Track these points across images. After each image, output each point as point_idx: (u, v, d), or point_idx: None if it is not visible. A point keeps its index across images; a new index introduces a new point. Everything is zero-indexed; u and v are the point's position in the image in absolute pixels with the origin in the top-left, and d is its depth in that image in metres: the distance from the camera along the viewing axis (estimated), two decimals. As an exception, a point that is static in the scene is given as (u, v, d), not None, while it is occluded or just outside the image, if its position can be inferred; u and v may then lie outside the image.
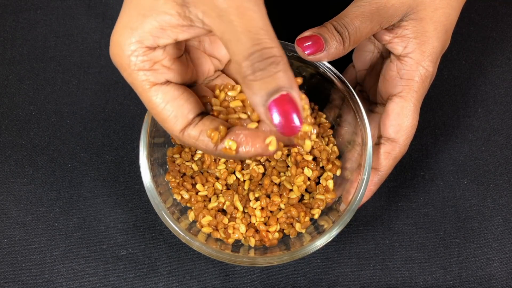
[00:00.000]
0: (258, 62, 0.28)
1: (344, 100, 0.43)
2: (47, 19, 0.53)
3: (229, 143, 0.32)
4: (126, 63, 0.31)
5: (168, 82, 0.32)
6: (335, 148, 0.45)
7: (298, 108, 0.29)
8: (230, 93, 0.34)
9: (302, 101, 0.30)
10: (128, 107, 0.50)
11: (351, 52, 0.44)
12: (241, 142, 0.32)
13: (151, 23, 0.30)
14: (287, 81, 0.28)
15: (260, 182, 0.44)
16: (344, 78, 0.42)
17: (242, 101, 0.34)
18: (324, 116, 0.46)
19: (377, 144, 0.41)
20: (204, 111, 0.34)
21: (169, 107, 0.31)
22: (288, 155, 0.44)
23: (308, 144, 0.34)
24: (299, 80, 0.31)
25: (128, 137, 0.49)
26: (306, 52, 0.38)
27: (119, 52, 0.31)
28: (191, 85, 0.35)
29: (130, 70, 0.31)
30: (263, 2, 0.29)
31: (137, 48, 0.30)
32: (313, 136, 0.36)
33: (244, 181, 0.44)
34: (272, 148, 0.31)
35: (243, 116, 0.33)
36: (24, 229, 0.47)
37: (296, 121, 0.29)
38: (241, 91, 0.35)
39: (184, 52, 0.34)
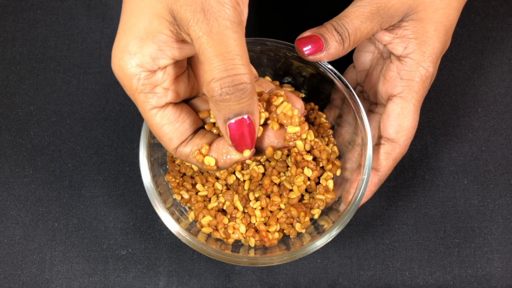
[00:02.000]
0: (227, 87, 0.30)
1: (344, 100, 0.43)
2: (47, 19, 0.53)
3: (208, 160, 0.35)
4: (129, 84, 0.32)
5: (167, 104, 0.33)
6: (335, 148, 0.45)
7: (253, 132, 0.33)
8: None
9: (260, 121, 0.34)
10: (128, 107, 0.50)
11: (352, 52, 0.44)
12: (220, 154, 0.35)
13: (150, 45, 0.31)
14: (249, 107, 0.32)
15: (260, 182, 0.44)
16: (344, 78, 0.42)
17: None
18: (324, 116, 0.46)
19: (377, 144, 0.41)
20: (201, 126, 0.36)
21: (165, 128, 0.34)
22: (288, 155, 0.44)
23: (299, 144, 0.37)
24: (300, 97, 0.34)
25: (128, 137, 0.49)
26: (306, 52, 0.38)
27: (122, 75, 0.32)
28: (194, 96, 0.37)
29: (133, 91, 0.32)
30: (243, 28, 0.30)
31: (139, 72, 0.31)
32: (310, 136, 0.37)
33: (244, 181, 0.44)
34: (246, 153, 0.34)
35: None
36: (24, 229, 0.47)
37: (248, 142, 0.33)
38: None
39: (187, 66, 0.35)
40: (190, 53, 0.33)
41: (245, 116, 0.32)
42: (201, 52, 0.30)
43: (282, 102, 0.36)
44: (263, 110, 0.36)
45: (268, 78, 0.47)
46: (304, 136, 0.36)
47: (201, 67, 0.31)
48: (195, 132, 0.36)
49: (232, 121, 0.32)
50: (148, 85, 0.32)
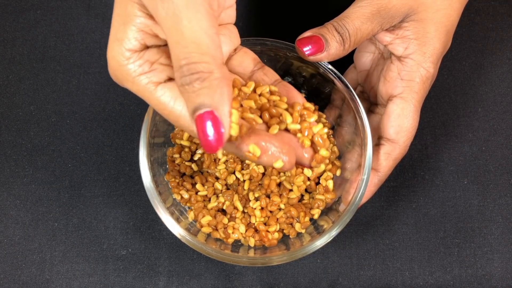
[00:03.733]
0: (184, 77, 0.27)
1: (344, 101, 0.43)
2: (47, 19, 0.53)
3: (253, 148, 0.31)
4: (126, 73, 0.31)
5: (170, 79, 0.31)
6: (335, 149, 0.45)
7: (218, 130, 0.28)
8: (244, 89, 0.34)
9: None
10: (128, 107, 0.50)
11: (352, 53, 0.44)
12: (265, 149, 0.31)
13: (131, 28, 0.30)
14: (210, 99, 0.28)
15: (260, 182, 0.44)
16: (344, 79, 0.42)
17: (255, 101, 0.34)
18: (324, 116, 0.46)
19: (377, 145, 0.41)
20: None
21: (179, 102, 0.30)
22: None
23: (322, 168, 0.35)
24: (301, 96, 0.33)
25: (128, 137, 0.49)
26: (306, 53, 0.38)
27: (116, 66, 0.31)
28: None
29: (132, 78, 0.31)
30: (207, 7, 0.28)
31: (130, 55, 0.31)
32: (326, 161, 0.36)
33: (244, 181, 0.44)
34: (278, 164, 0.31)
35: (259, 120, 0.33)
36: (24, 229, 0.47)
37: (211, 142, 0.28)
38: (255, 87, 0.34)
39: None
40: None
41: (208, 109, 0.28)
42: (166, 36, 0.28)
43: (316, 122, 0.35)
44: (240, 106, 0.33)
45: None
46: (326, 161, 0.35)
47: None
48: None
49: (196, 114, 0.28)
50: (145, 64, 0.31)
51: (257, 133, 0.32)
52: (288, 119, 0.34)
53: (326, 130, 0.35)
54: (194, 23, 0.27)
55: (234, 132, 0.29)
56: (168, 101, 0.31)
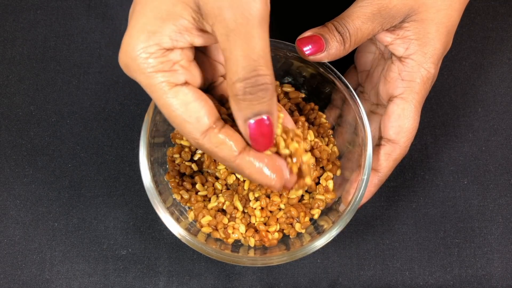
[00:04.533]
0: (250, 87, 0.30)
1: (344, 101, 0.43)
2: (47, 19, 0.53)
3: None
4: (143, 66, 0.31)
5: (187, 83, 0.32)
6: (335, 149, 0.45)
7: (272, 132, 0.33)
8: None
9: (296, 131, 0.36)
10: (128, 107, 0.50)
11: (353, 53, 0.44)
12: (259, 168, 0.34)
13: (170, 27, 0.30)
14: (270, 108, 0.32)
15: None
16: (344, 79, 0.42)
17: None
18: (324, 116, 0.46)
19: (377, 145, 0.41)
20: (220, 118, 0.34)
21: (191, 107, 0.31)
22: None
23: (299, 192, 0.42)
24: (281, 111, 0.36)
25: (128, 137, 0.49)
26: (306, 52, 0.38)
27: (134, 55, 0.30)
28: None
29: (148, 73, 0.31)
30: (268, 29, 0.30)
31: (156, 50, 0.30)
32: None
33: (244, 181, 0.44)
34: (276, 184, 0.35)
35: None
36: (24, 229, 0.47)
37: (267, 142, 0.33)
38: None
39: (199, 54, 0.35)
40: (208, 43, 0.32)
41: (265, 116, 0.32)
42: (226, 49, 0.29)
43: (306, 150, 0.38)
44: (280, 110, 0.36)
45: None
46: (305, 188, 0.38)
47: (225, 62, 0.30)
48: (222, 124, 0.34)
49: (252, 121, 0.32)
50: (166, 63, 0.31)
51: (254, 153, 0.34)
52: (282, 143, 0.35)
53: (313, 160, 0.39)
54: (264, 41, 0.30)
55: (280, 131, 0.35)
56: (180, 105, 0.31)
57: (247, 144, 0.34)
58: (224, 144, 0.32)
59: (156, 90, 0.31)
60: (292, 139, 0.36)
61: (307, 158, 0.36)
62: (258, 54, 0.29)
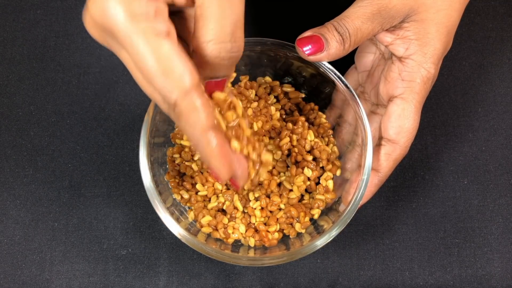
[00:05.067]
0: (225, 53, 0.29)
1: (344, 101, 0.43)
2: (47, 19, 0.53)
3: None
4: (124, 13, 0.27)
5: (169, 35, 0.28)
6: (335, 149, 0.45)
7: (222, 88, 0.32)
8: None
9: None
10: (128, 107, 0.50)
11: (353, 53, 0.44)
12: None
13: None
14: (230, 72, 0.32)
15: (260, 182, 0.44)
16: (344, 79, 0.42)
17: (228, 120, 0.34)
18: (324, 116, 0.46)
19: (377, 145, 0.41)
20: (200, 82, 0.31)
21: (176, 62, 0.28)
22: (288, 155, 0.44)
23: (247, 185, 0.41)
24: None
25: (128, 137, 0.49)
26: (306, 52, 0.38)
27: (113, 4, 0.27)
28: None
29: (129, 20, 0.27)
30: None
31: None
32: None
33: (244, 181, 0.44)
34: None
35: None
36: (24, 229, 0.47)
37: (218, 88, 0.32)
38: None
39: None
40: (183, 3, 0.29)
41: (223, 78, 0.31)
42: (205, 7, 0.28)
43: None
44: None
45: (268, 78, 0.47)
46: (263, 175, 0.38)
47: (197, 20, 0.28)
48: None
49: (214, 81, 0.31)
50: (152, 8, 0.27)
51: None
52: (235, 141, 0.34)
53: (270, 167, 0.40)
54: (243, 5, 0.29)
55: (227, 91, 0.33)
56: (167, 52, 0.28)
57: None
58: (200, 111, 0.29)
59: (137, 38, 0.27)
60: (253, 143, 0.36)
61: (267, 158, 0.36)
62: (238, 17, 0.28)
